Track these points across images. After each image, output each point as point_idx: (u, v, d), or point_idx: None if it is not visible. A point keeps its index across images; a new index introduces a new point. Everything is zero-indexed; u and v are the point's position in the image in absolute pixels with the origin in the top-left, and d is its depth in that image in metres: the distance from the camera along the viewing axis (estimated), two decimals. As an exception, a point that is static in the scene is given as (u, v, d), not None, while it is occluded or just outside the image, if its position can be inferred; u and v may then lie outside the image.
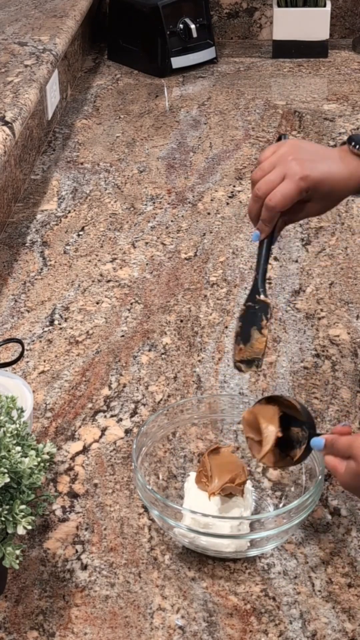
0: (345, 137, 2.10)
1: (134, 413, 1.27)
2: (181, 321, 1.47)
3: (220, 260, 1.64)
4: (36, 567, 1.03)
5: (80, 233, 1.74)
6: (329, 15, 2.57)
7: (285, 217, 1.10)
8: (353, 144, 1.10)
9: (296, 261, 1.63)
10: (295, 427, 1.04)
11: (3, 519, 0.89)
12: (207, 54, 2.58)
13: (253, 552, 1.02)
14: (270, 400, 1.07)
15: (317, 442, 0.99)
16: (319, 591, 1.00)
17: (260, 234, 1.09)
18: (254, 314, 1.10)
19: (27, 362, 1.38)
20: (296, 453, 1.03)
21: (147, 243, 1.70)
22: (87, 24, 2.63)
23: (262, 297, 1.10)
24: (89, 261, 1.65)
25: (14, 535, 0.90)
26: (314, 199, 1.08)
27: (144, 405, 1.28)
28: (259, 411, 1.06)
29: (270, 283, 1.56)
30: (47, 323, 1.47)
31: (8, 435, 0.91)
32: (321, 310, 1.49)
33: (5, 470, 0.88)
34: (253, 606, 0.98)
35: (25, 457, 0.91)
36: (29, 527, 0.89)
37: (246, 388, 1.31)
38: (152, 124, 2.22)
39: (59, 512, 1.11)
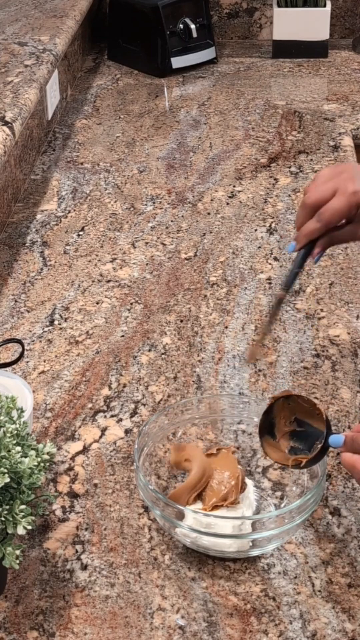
0: (345, 137, 2.11)
1: (134, 413, 1.27)
2: (181, 321, 1.47)
3: (220, 260, 1.64)
4: (36, 567, 1.03)
5: (80, 233, 1.74)
6: (329, 15, 2.57)
7: (332, 235, 1.05)
8: None
9: (296, 261, 1.63)
10: (307, 429, 1.04)
11: (3, 519, 0.89)
12: (207, 54, 2.58)
13: (255, 552, 1.02)
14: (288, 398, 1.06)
15: (337, 439, 0.98)
16: (319, 591, 1.00)
17: (296, 244, 1.05)
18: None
19: (27, 362, 1.37)
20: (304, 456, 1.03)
21: (147, 243, 1.70)
22: (87, 24, 2.63)
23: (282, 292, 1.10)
24: (89, 261, 1.65)
25: (14, 535, 0.90)
26: None
27: (144, 405, 1.28)
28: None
29: (270, 283, 1.56)
30: (47, 323, 1.47)
31: (8, 435, 0.91)
32: (321, 310, 1.49)
33: (5, 470, 0.88)
34: (253, 606, 0.98)
35: (25, 457, 0.91)
36: (29, 527, 0.89)
37: (246, 388, 1.31)
38: (152, 124, 2.22)
39: (59, 512, 1.11)
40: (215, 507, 1.05)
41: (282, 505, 1.09)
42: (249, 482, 1.10)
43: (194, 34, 2.52)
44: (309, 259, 1.07)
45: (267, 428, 1.07)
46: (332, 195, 1.02)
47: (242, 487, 1.08)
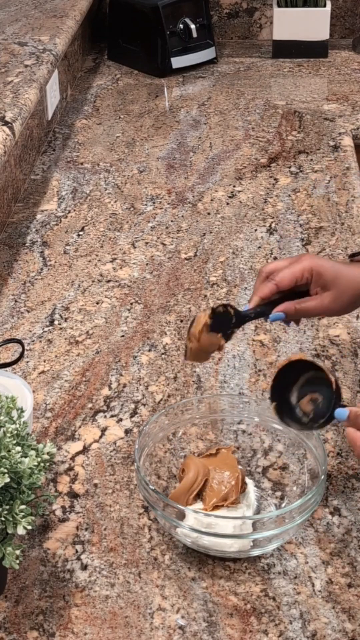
0: (345, 137, 2.11)
1: (134, 413, 1.27)
2: (181, 321, 1.47)
3: (220, 260, 1.64)
4: (36, 567, 1.03)
5: (80, 233, 1.74)
6: (329, 15, 2.57)
7: (299, 308, 1.10)
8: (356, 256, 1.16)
9: (296, 261, 1.63)
10: (317, 393, 1.04)
11: (3, 519, 0.89)
12: (207, 54, 2.58)
13: (256, 552, 1.02)
14: (300, 362, 1.06)
15: (341, 412, 0.99)
16: (319, 591, 1.00)
17: (249, 304, 1.11)
18: (228, 319, 1.11)
19: (27, 362, 1.37)
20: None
21: (147, 243, 1.70)
22: (87, 24, 2.63)
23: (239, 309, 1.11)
24: (89, 261, 1.65)
25: (14, 535, 0.90)
26: (323, 288, 1.09)
27: (144, 405, 1.28)
28: None
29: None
30: (47, 323, 1.47)
31: (8, 435, 0.91)
32: (321, 310, 1.48)
33: (5, 470, 0.88)
34: (253, 606, 0.98)
35: (25, 457, 0.91)
36: (29, 527, 0.89)
37: (246, 388, 1.31)
38: (152, 124, 2.22)
39: (59, 512, 1.10)
40: (215, 507, 1.05)
41: (283, 505, 1.09)
42: (249, 482, 1.10)
43: (194, 34, 2.52)
44: (263, 318, 1.12)
45: (278, 392, 1.06)
46: (286, 264, 1.11)
47: (243, 487, 1.08)
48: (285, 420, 1.05)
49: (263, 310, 1.12)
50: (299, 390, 1.05)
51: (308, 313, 1.11)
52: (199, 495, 1.07)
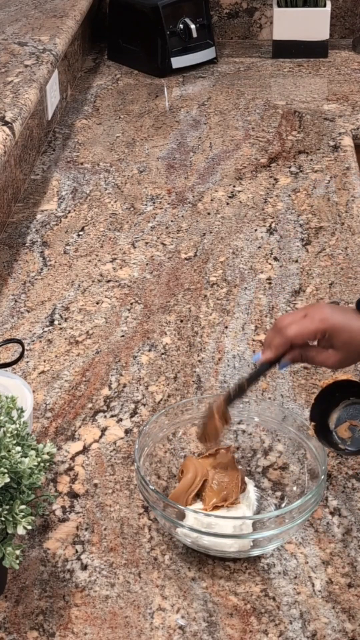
0: (345, 137, 2.11)
1: (134, 413, 1.27)
2: (181, 321, 1.47)
3: (220, 260, 1.64)
4: (36, 567, 1.03)
5: (80, 233, 1.74)
6: (329, 15, 2.57)
7: (303, 355, 1.10)
8: None
9: (296, 261, 1.63)
10: (358, 420, 1.05)
11: (3, 519, 0.88)
12: (207, 54, 2.58)
13: (256, 552, 1.02)
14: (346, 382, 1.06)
15: None
16: (319, 591, 1.00)
17: (262, 355, 1.10)
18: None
19: (27, 362, 1.37)
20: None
21: (147, 243, 1.70)
22: (87, 24, 2.63)
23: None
24: (89, 261, 1.65)
25: (14, 535, 0.90)
26: (334, 347, 1.08)
27: (144, 405, 1.28)
28: None
29: (270, 283, 1.56)
30: (47, 323, 1.47)
31: (8, 435, 0.91)
32: (321, 310, 1.48)
33: (5, 470, 0.88)
34: (253, 606, 0.98)
35: (25, 457, 0.91)
36: (29, 527, 0.89)
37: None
38: (152, 124, 2.22)
39: (59, 512, 1.10)
40: (215, 507, 1.05)
41: (283, 505, 1.09)
42: (249, 482, 1.10)
43: (194, 34, 2.52)
44: (275, 367, 1.12)
45: (319, 412, 1.07)
46: (301, 318, 1.10)
47: (242, 487, 1.08)
48: (322, 441, 1.06)
49: (271, 364, 1.11)
50: (339, 413, 1.06)
51: (313, 363, 1.12)
52: (199, 496, 1.07)
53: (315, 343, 1.09)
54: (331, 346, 1.08)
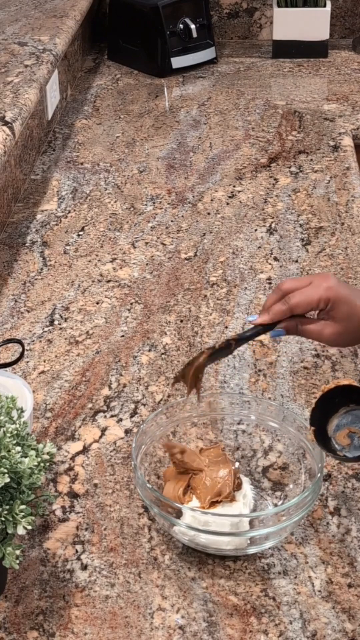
0: (345, 137, 2.11)
1: (134, 413, 1.27)
2: (181, 321, 1.47)
3: (220, 260, 1.64)
4: (36, 567, 1.03)
5: (80, 233, 1.74)
6: (329, 15, 2.57)
7: (300, 328, 1.08)
8: None
9: (296, 261, 1.63)
10: (357, 427, 1.05)
11: (3, 519, 0.89)
12: (207, 54, 2.58)
13: (253, 550, 1.02)
14: (347, 387, 1.06)
15: None
16: (319, 591, 1.00)
17: (258, 318, 1.08)
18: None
19: (27, 362, 1.38)
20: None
21: (147, 243, 1.70)
22: (87, 24, 2.63)
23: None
24: (89, 261, 1.65)
25: (14, 535, 0.90)
26: (334, 319, 1.07)
27: (144, 405, 1.28)
28: None
29: (270, 283, 1.56)
30: (47, 323, 1.47)
31: (8, 435, 0.91)
32: (321, 310, 1.48)
33: (5, 470, 0.88)
34: (253, 606, 0.98)
35: (25, 457, 0.91)
36: (29, 527, 0.89)
37: (246, 388, 1.31)
38: (152, 124, 2.22)
39: (59, 512, 1.11)
40: (212, 504, 1.05)
41: (280, 504, 1.09)
42: (245, 480, 1.10)
43: (194, 34, 2.52)
44: (268, 333, 1.10)
45: (319, 417, 1.06)
46: (306, 285, 1.07)
47: (238, 484, 1.08)
48: (320, 446, 1.06)
49: (265, 328, 1.09)
50: (339, 419, 1.06)
51: (308, 336, 1.09)
52: (189, 487, 1.07)
53: (315, 315, 1.08)
54: (331, 318, 1.06)
